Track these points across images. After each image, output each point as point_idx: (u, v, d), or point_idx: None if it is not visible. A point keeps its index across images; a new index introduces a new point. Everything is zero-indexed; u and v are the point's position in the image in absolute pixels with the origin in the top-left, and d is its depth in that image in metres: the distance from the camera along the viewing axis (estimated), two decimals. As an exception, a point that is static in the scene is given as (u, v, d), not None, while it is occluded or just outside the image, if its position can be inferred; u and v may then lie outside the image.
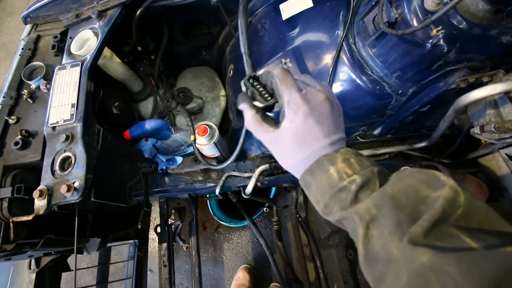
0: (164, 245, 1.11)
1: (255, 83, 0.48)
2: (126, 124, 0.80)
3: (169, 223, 1.13)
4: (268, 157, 0.99)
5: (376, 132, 0.92)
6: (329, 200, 0.43)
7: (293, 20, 0.80)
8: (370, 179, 0.42)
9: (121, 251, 1.50)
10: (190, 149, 0.94)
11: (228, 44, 1.03)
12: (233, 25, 0.92)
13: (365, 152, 0.98)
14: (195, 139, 0.81)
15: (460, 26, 0.55)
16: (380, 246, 0.35)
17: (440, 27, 0.51)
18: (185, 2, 0.79)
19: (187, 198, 1.13)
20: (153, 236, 1.74)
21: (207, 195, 1.32)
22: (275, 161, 0.97)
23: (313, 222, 1.39)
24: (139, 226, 1.06)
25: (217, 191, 0.98)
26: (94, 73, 0.69)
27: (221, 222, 1.76)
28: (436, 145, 1.01)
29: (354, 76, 0.72)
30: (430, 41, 0.56)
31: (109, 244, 0.99)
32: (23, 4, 2.79)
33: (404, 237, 0.33)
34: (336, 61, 0.72)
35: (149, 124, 0.76)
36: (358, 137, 0.94)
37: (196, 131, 0.79)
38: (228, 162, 0.84)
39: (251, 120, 0.46)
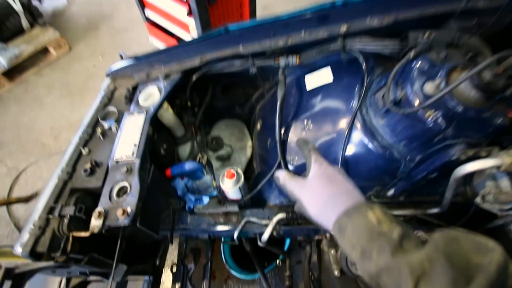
0: (177, 285, 1.13)
1: None
2: (168, 163, 0.94)
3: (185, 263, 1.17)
4: (286, 207, 1.06)
5: (389, 193, 0.98)
6: (367, 244, 0.42)
7: (316, 90, 0.97)
8: (410, 232, 0.42)
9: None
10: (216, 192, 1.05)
11: (258, 103, 1.21)
12: (266, 88, 1.11)
13: (379, 211, 1.02)
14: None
15: (456, 109, 0.67)
16: None
17: (433, 110, 0.63)
18: (231, 71, 0.99)
19: (205, 240, 1.19)
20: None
21: (223, 239, 1.36)
22: (293, 211, 1.03)
23: (327, 283, 1.34)
24: (157, 263, 1.11)
25: (235, 235, 1.04)
26: (153, 120, 0.86)
27: (231, 271, 1.73)
28: (452, 212, 1.04)
29: (366, 141, 0.83)
30: (426, 115, 0.68)
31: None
32: (88, 52, 3.35)
33: None
34: (351, 127, 0.84)
35: (188, 165, 0.89)
36: (372, 196, 1.00)
37: (225, 174, 0.90)
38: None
39: (284, 176, 0.62)
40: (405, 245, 0.40)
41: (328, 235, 1.16)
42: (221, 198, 1.02)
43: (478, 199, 0.66)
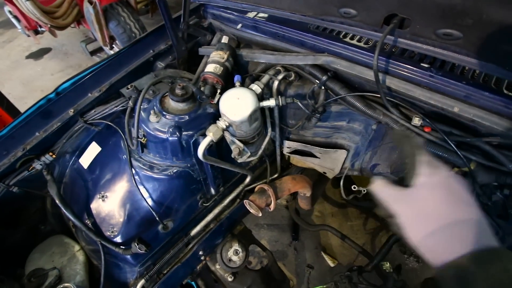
0: None
1: None
2: None
3: None
4: (144, 272, 1.04)
5: (212, 193, 1.17)
6: None
7: (93, 165, 1.02)
8: None
9: None
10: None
11: (58, 207, 1.14)
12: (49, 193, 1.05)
13: (217, 210, 1.19)
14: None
15: (178, 120, 0.89)
16: None
17: (144, 138, 0.84)
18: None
19: None
20: None
21: None
22: (152, 269, 1.03)
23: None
24: None
25: None
26: None
27: None
28: (264, 171, 1.36)
29: (153, 175, 0.96)
30: (166, 136, 0.88)
31: None
32: None
33: None
34: (135, 173, 0.95)
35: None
36: (203, 204, 1.16)
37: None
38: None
39: (380, 184, 0.43)
40: None
41: (206, 257, 1.24)
42: None
43: (236, 158, 0.91)
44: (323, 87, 0.88)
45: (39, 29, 3.42)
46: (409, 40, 0.70)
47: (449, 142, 0.66)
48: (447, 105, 0.66)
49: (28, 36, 3.48)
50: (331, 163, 1.09)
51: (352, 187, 0.93)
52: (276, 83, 0.90)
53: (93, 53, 3.79)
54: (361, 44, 0.81)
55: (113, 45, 3.45)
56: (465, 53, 0.64)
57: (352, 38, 0.85)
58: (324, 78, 0.84)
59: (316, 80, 0.88)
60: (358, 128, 0.96)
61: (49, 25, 3.09)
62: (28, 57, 4.09)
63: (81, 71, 0.99)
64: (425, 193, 0.39)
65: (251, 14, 1.06)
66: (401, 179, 0.44)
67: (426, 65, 0.71)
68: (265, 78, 0.92)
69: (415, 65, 0.71)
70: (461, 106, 0.65)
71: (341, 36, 0.86)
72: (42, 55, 4.07)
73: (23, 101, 3.17)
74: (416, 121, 0.69)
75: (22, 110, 2.20)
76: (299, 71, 0.93)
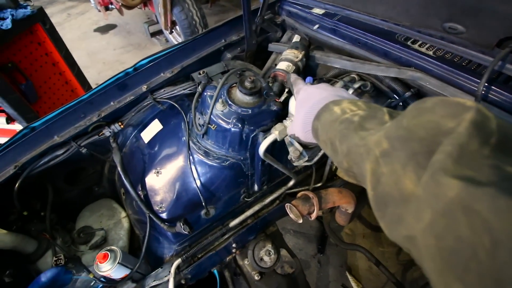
0: None
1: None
2: (21, 289, 0.80)
3: None
4: (181, 251, 1.07)
5: (255, 189, 1.17)
6: (332, 135, 0.41)
7: (153, 141, 1.07)
8: (377, 112, 0.38)
9: None
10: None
11: (114, 173, 1.21)
12: (110, 159, 1.12)
13: (257, 207, 1.19)
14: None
15: (241, 112, 0.89)
16: (391, 185, 0.29)
17: (214, 125, 0.84)
18: (59, 160, 0.96)
19: None
20: None
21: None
22: (189, 251, 1.06)
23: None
24: None
25: (144, 311, 0.97)
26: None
27: None
28: (307, 177, 1.33)
29: (207, 161, 0.97)
30: (229, 126, 0.88)
31: None
32: None
33: (420, 169, 0.27)
34: (190, 155, 0.97)
35: (45, 276, 0.79)
36: (245, 199, 1.16)
37: (96, 261, 0.85)
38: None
39: (285, 130, 0.76)
40: (367, 125, 0.36)
41: (237, 250, 1.24)
42: (111, 285, 0.94)
43: (293, 161, 0.89)
44: (401, 103, 0.82)
45: (110, 6, 3.70)
46: (523, 68, 0.62)
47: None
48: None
49: (99, 11, 3.78)
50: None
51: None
52: (351, 91, 0.86)
53: (153, 34, 4.00)
54: (458, 64, 0.74)
55: (173, 30, 3.61)
56: None
57: (445, 56, 0.78)
58: (407, 94, 0.78)
59: (395, 95, 0.83)
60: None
61: (120, 4, 3.32)
62: (95, 30, 4.45)
63: (158, 51, 1.04)
64: (297, 109, 0.58)
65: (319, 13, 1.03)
66: None
67: (536, 98, 0.62)
68: (339, 84, 0.88)
69: (523, 96, 0.63)
70: None
71: (432, 52, 0.79)
72: (108, 30, 4.40)
73: (87, 70, 3.43)
74: None
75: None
76: (376, 82, 0.88)
